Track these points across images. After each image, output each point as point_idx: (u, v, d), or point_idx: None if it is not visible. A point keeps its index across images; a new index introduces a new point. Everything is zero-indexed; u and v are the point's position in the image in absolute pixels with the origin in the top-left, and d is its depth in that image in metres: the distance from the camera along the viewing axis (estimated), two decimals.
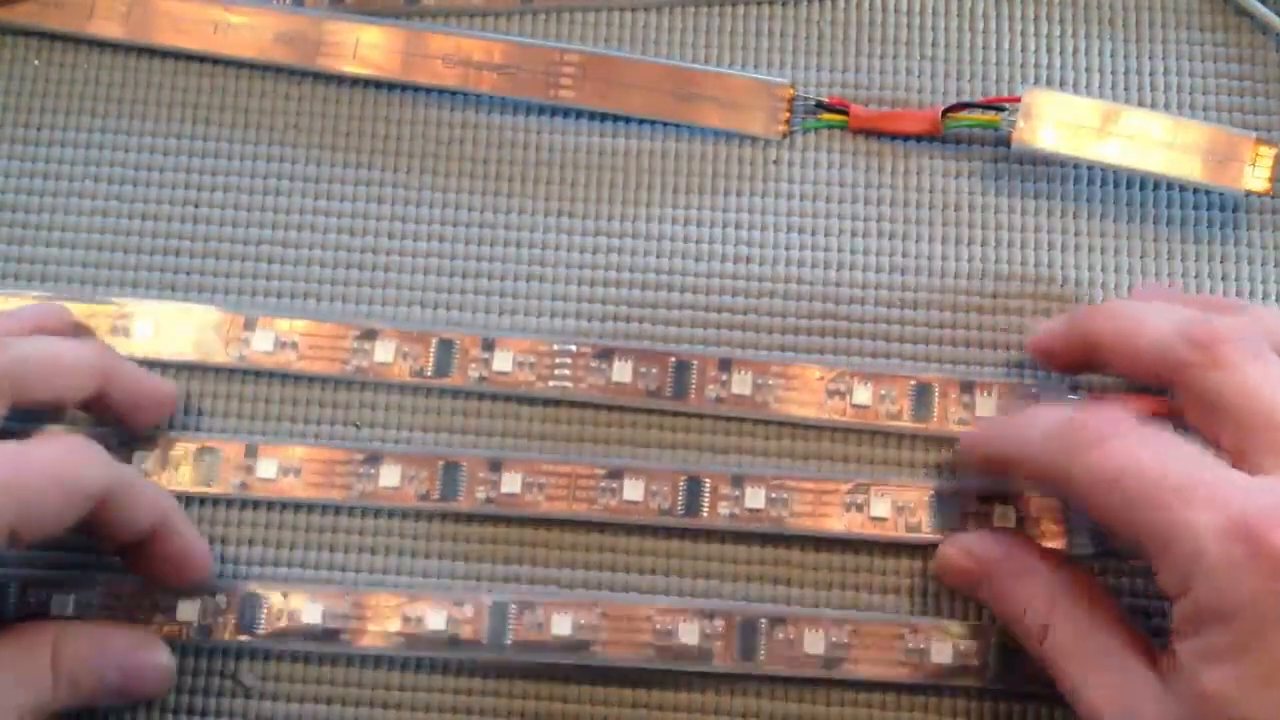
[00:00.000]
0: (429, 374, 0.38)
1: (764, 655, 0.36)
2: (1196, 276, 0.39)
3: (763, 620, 0.36)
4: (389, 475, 0.37)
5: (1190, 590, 0.29)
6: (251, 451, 0.37)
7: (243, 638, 0.36)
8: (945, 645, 0.36)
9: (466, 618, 0.36)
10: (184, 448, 0.37)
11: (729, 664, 0.36)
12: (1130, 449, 0.30)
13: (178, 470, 0.37)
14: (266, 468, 0.37)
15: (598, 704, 0.36)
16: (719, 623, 0.36)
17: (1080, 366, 0.36)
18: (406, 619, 0.36)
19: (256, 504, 0.38)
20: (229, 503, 0.38)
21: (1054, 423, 0.32)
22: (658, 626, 0.36)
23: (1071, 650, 0.32)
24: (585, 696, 0.36)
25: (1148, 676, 0.30)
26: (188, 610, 0.36)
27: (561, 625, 0.36)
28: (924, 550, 0.37)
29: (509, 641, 0.36)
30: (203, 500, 0.37)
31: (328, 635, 0.36)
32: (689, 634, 0.36)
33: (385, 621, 0.36)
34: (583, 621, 0.36)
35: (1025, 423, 0.34)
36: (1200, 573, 0.28)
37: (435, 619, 0.36)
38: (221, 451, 0.37)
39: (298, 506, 0.38)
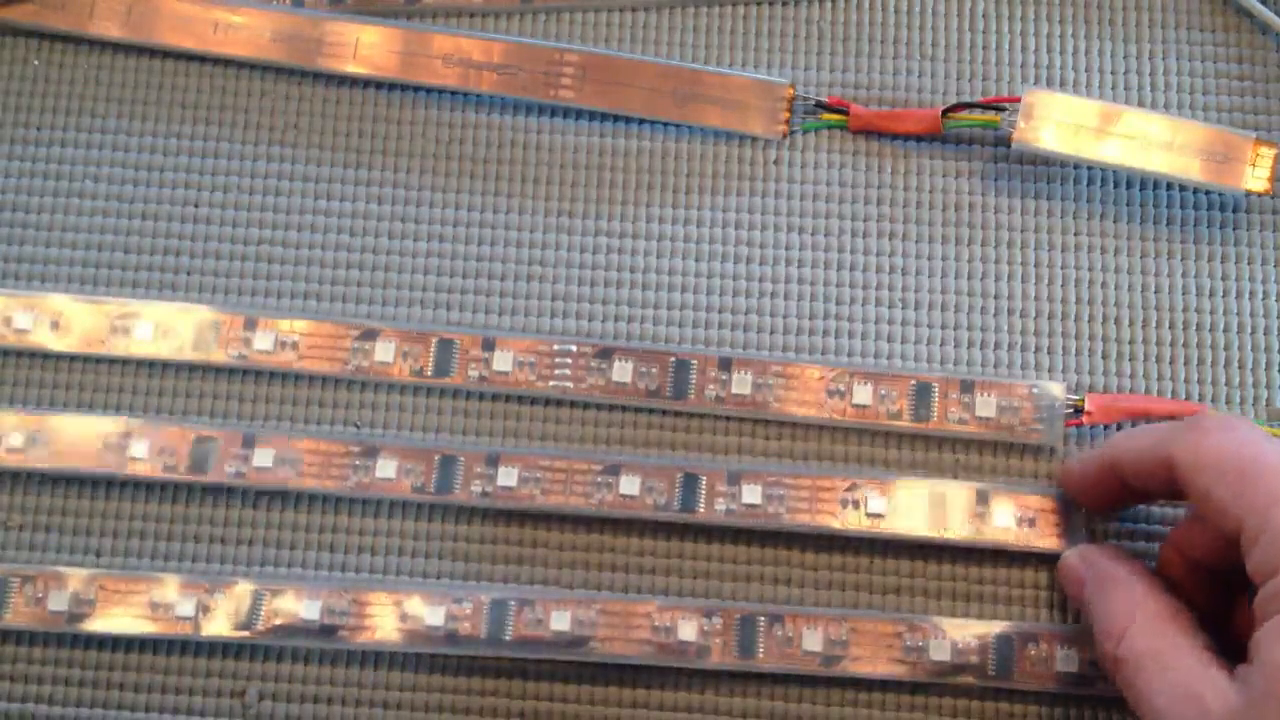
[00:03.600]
0: (429, 374, 0.38)
1: (762, 653, 0.36)
2: (1196, 276, 0.39)
3: (761, 618, 0.36)
4: (385, 467, 0.37)
5: None
6: (249, 441, 0.37)
7: (241, 635, 0.36)
8: (943, 643, 0.36)
9: (465, 614, 0.36)
10: (182, 434, 0.38)
11: (727, 661, 0.36)
12: (1236, 434, 0.32)
13: None
14: (263, 457, 0.37)
15: (597, 703, 0.36)
16: (717, 620, 0.36)
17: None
18: (405, 616, 0.36)
19: (256, 501, 0.38)
20: (229, 493, 0.38)
21: (1164, 423, 0.36)
22: (656, 623, 0.36)
23: (1142, 653, 0.32)
24: (585, 696, 0.36)
25: (1216, 675, 0.31)
26: (185, 607, 0.36)
27: (560, 621, 0.36)
28: (922, 549, 0.37)
29: (508, 638, 0.36)
30: (204, 488, 0.38)
31: (326, 632, 0.36)
32: (687, 631, 0.36)
33: (384, 618, 0.36)
34: (581, 618, 0.36)
35: (1133, 429, 0.36)
36: None
37: (434, 615, 0.36)
38: (219, 440, 0.37)
39: (297, 503, 0.38)
